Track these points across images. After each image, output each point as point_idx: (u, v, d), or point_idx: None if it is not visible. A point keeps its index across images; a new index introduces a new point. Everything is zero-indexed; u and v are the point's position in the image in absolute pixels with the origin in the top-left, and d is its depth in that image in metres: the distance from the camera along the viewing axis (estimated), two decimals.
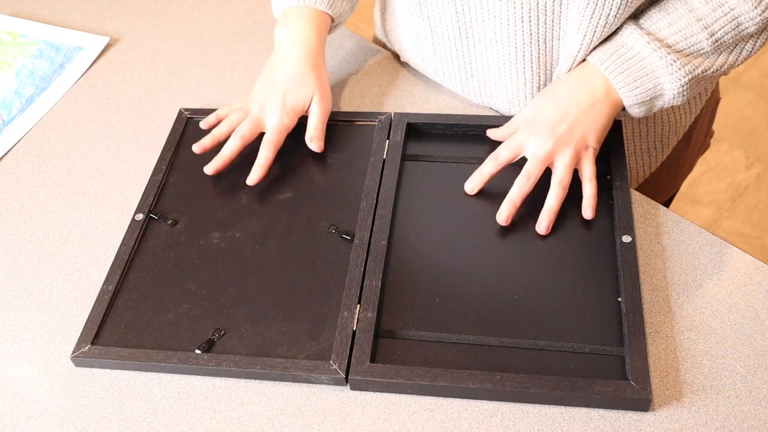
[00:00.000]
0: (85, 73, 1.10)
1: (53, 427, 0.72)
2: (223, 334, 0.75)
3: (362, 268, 0.78)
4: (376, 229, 0.81)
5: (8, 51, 1.14)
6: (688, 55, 0.79)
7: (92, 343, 0.76)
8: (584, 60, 0.84)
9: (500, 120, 0.91)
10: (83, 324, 0.78)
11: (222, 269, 0.81)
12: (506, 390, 0.68)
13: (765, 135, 2.10)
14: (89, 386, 0.75)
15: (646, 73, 0.80)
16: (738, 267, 0.78)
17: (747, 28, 0.78)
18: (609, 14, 0.78)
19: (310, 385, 0.72)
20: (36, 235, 0.89)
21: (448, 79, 0.97)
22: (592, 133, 0.82)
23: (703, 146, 1.09)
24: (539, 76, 0.87)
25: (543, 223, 0.80)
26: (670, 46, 0.79)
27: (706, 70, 0.81)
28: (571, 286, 0.76)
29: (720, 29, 0.78)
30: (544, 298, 0.75)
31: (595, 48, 0.83)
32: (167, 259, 0.83)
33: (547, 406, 0.69)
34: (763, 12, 0.77)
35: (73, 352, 0.75)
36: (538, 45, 0.84)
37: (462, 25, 0.87)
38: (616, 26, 0.81)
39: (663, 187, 1.07)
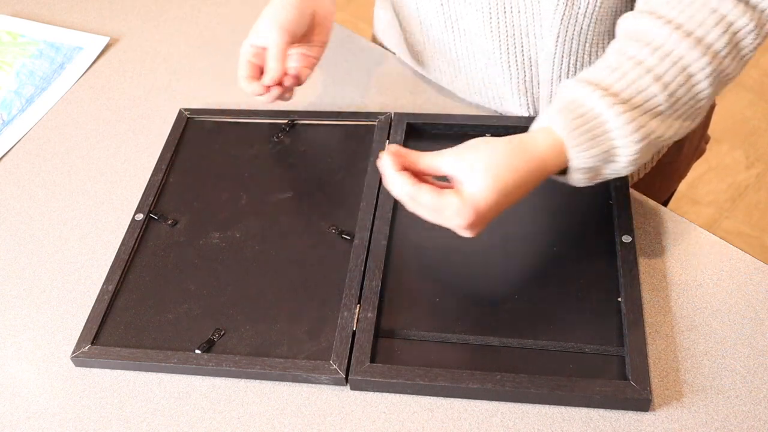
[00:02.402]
0: (85, 73, 1.10)
1: (53, 427, 0.72)
2: (223, 334, 0.75)
3: (362, 268, 0.78)
4: (376, 229, 0.81)
5: (8, 51, 1.14)
6: (642, 114, 0.68)
7: (92, 343, 0.76)
8: (568, 67, 0.84)
9: (499, 120, 0.91)
10: (83, 324, 0.77)
11: (222, 269, 0.81)
12: (506, 390, 0.68)
13: (765, 135, 2.10)
14: (89, 386, 0.75)
15: (601, 133, 0.68)
16: (738, 267, 0.78)
17: (699, 81, 0.69)
18: (578, 14, 0.78)
19: (310, 385, 0.72)
20: (36, 235, 0.89)
21: (440, 75, 0.97)
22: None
23: (698, 152, 1.09)
24: (524, 71, 0.87)
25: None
26: (625, 102, 0.68)
27: (661, 136, 0.70)
28: (571, 286, 0.76)
29: (672, 81, 0.68)
30: (544, 298, 0.75)
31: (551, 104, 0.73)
32: (167, 259, 0.83)
33: (547, 406, 0.69)
34: (710, 62, 0.69)
35: (73, 352, 0.75)
36: (521, 39, 0.84)
37: (448, 18, 0.88)
38: (591, 33, 0.81)
39: (655, 191, 1.07)
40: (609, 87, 0.68)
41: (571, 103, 0.69)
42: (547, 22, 0.80)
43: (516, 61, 0.86)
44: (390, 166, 0.68)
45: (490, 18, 0.83)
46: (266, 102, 0.88)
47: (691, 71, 0.68)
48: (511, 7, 0.81)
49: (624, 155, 0.69)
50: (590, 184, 0.72)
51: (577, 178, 0.71)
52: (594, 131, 0.68)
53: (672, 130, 0.70)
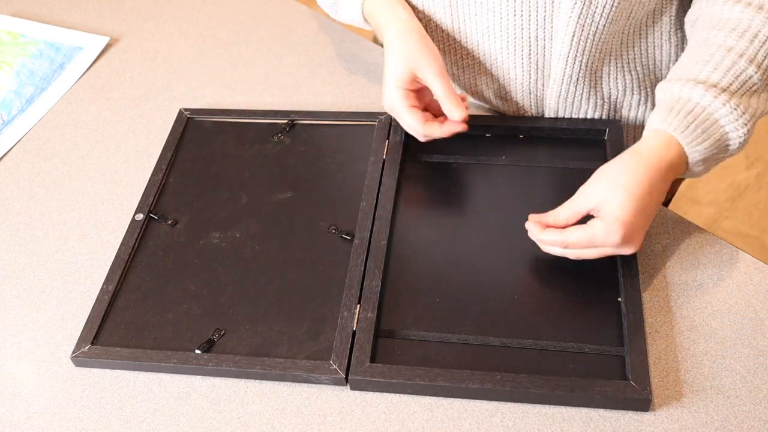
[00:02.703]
0: (85, 73, 1.10)
1: (53, 427, 0.72)
2: (223, 334, 0.75)
3: (362, 268, 0.78)
4: (376, 229, 0.81)
5: (8, 51, 1.14)
6: (741, 96, 0.73)
7: (92, 343, 0.76)
8: (580, 66, 0.84)
9: (500, 120, 0.91)
10: (83, 324, 0.78)
11: (222, 269, 0.81)
12: (506, 390, 0.68)
13: (765, 135, 2.10)
14: (89, 386, 0.75)
15: (711, 124, 0.73)
16: (738, 267, 0.78)
17: None
18: (595, 13, 0.78)
19: (310, 385, 0.72)
20: (36, 235, 0.89)
21: None
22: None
23: None
24: (530, 74, 0.87)
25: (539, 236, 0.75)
26: (725, 90, 0.72)
27: (764, 111, 0.75)
28: (571, 286, 0.76)
29: (764, 59, 0.73)
30: (544, 298, 0.75)
31: (650, 115, 0.77)
32: (167, 259, 0.83)
33: (547, 406, 0.69)
34: None
35: (73, 352, 0.75)
36: (530, 42, 0.84)
37: (455, 19, 0.88)
38: (605, 33, 0.81)
39: None
40: (707, 79, 0.73)
41: (677, 103, 0.73)
42: (563, 22, 0.80)
43: (523, 62, 0.86)
44: (537, 231, 0.75)
45: (500, 20, 0.83)
46: (446, 136, 0.84)
47: None
48: (522, 10, 0.81)
49: (735, 138, 0.74)
50: (707, 173, 0.78)
51: (697, 170, 0.76)
52: (704, 124, 0.73)
53: None
